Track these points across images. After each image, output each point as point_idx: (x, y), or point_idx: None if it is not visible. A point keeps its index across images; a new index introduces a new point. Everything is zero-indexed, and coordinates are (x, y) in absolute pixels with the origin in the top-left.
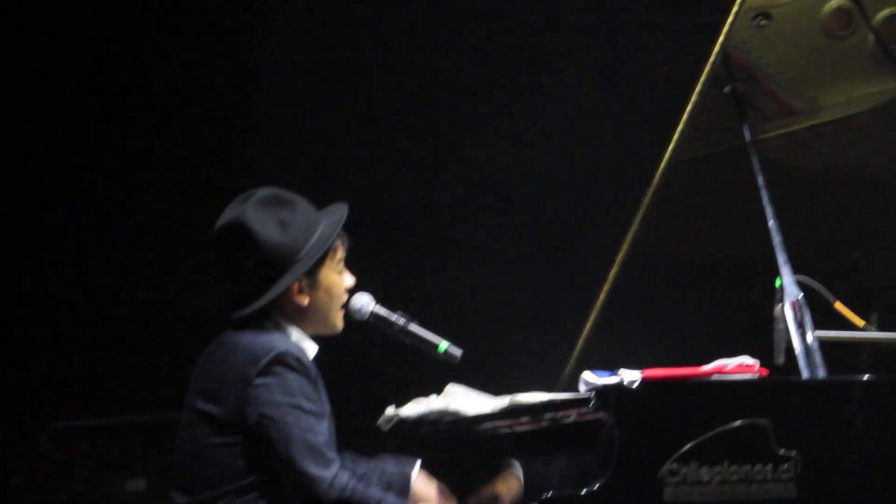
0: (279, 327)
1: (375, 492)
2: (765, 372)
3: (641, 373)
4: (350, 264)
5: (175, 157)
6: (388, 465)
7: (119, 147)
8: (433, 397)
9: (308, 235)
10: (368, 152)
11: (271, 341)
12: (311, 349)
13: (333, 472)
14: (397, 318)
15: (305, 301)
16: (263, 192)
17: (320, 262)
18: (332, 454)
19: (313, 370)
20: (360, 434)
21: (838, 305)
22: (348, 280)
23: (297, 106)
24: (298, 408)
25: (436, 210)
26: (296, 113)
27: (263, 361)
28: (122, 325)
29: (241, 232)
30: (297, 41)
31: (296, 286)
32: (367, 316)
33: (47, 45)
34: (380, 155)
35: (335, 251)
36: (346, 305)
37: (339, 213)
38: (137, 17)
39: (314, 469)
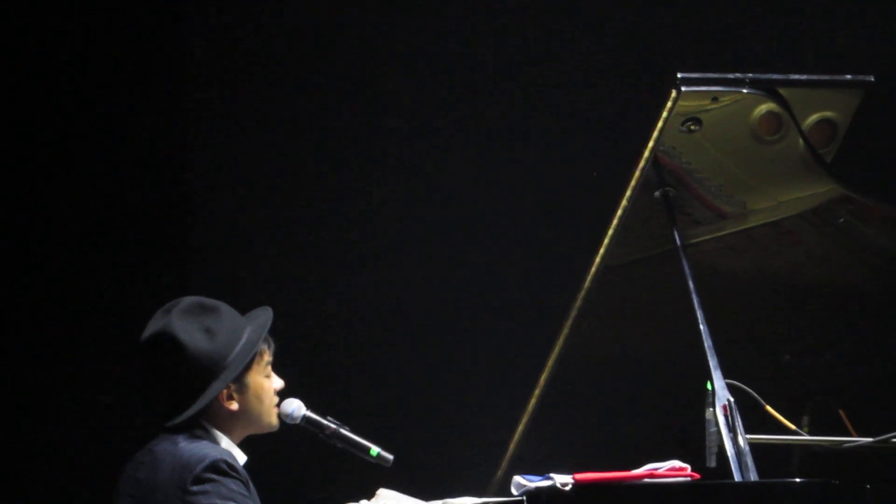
0: (209, 434)
1: None
2: (696, 475)
3: (573, 476)
4: (280, 369)
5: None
6: None
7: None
8: (364, 502)
9: (234, 341)
10: (293, 256)
11: (202, 449)
12: (240, 458)
13: None
14: (329, 423)
15: (235, 406)
16: (187, 301)
17: (248, 367)
18: None
19: (245, 475)
20: None
21: (769, 409)
22: (277, 383)
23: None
24: None
25: (366, 310)
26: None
27: (198, 469)
28: (54, 428)
29: (167, 342)
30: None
31: (224, 392)
32: (298, 420)
33: None
34: (305, 258)
35: (262, 355)
36: (278, 404)
37: (263, 317)
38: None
39: None
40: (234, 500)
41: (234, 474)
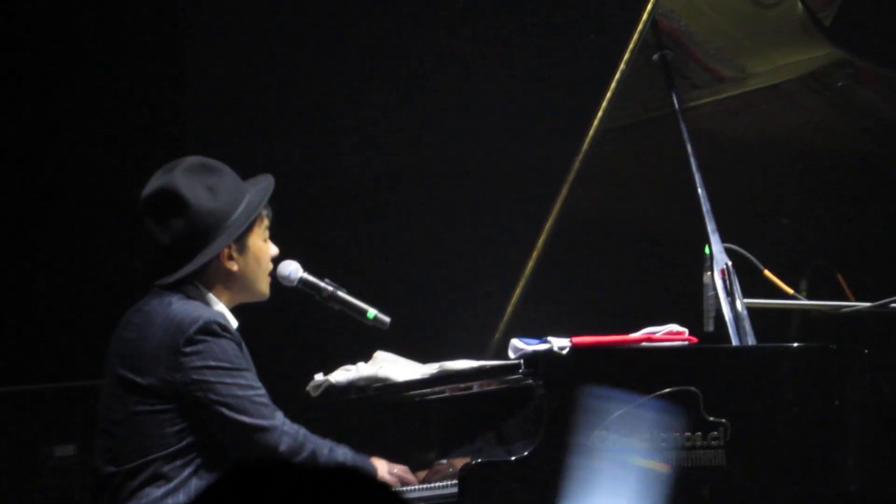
0: (202, 296)
1: (326, 441)
2: (694, 339)
3: (570, 340)
4: (276, 232)
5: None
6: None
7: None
8: (361, 364)
9: (237, 202)
10: (293, 117)
11: (196, 309)
12: (232, 321)
13: (281, 419)
14: (326, 285)
15: (234, 267)
16: (191, 159)
17: (249, 228)
18: (272, 405)
19: (238, 337)
20: (289, 400)
21: (767, 273)
22: (273, 249)
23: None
24: (233, 369)
25: (360, 179)
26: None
27: (191, 330)
28: (47, 289)
29: (171, 197)
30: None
31: (225, 252)
32: (295, 283)
33: None
34: (304, 119)
35: (262, 219)
36: (272, 273)
37: (265, 181)
38: None
39: (262, 420)
40: (229, 361)
41: (228, 335)
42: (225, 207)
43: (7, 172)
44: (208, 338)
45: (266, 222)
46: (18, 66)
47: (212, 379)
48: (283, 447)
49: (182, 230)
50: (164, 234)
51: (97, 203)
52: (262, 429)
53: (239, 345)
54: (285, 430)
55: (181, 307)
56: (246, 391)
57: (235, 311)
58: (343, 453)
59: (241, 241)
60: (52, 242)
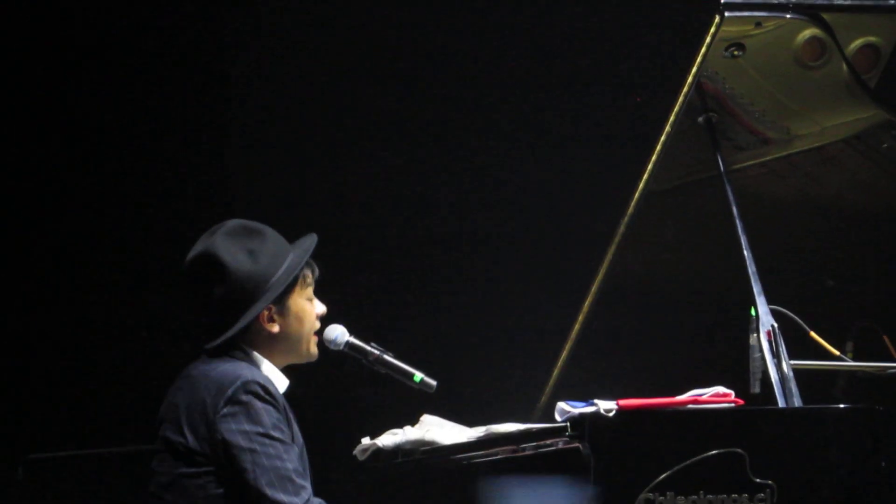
0: (249, 358)
1: None
2: (740, 401)
3: (617, 402)
4: (323, 294)
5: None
6: None
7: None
8: (408, 428)
9: (277, 264)
10: (341, 180)
11: (238, 370)
12: (281, 383)
13: (304, 500)
14: (372, 349)
15: (276, 329)
16: (232, 223)
17: (289, 289)
18: (301, 481)
19: (281, 400)
20: (337, 464)
21: (813, 335)
22: (319, 308)
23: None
24: (266, 436)
25: (410, 240)
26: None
27: (230, 390)
28: (97, 356)
29: (210, 262)
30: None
31: (265, 313)
32: (341, 346)
33: None
34: (352, 183)
35: (304, 279)
36: (319, 333)
37: (307, 242)
38: None
39: (283, 496)
40: (263, 425)
41: (268, 398)
42: (264, 270)
43: (56, 244)
44: (247, 398)
45: (310, 281)
46: (52, 134)
47: (243, 444)
48: None
49: (221, 295)
50: (204, 299)
51: (146, 274)
52: None
53: (281, 410)
54: None
55: (226, 368)
56: (273, 461)
57: (287, 373)
58: None
59: (281, 303)
60: (107, 314)
